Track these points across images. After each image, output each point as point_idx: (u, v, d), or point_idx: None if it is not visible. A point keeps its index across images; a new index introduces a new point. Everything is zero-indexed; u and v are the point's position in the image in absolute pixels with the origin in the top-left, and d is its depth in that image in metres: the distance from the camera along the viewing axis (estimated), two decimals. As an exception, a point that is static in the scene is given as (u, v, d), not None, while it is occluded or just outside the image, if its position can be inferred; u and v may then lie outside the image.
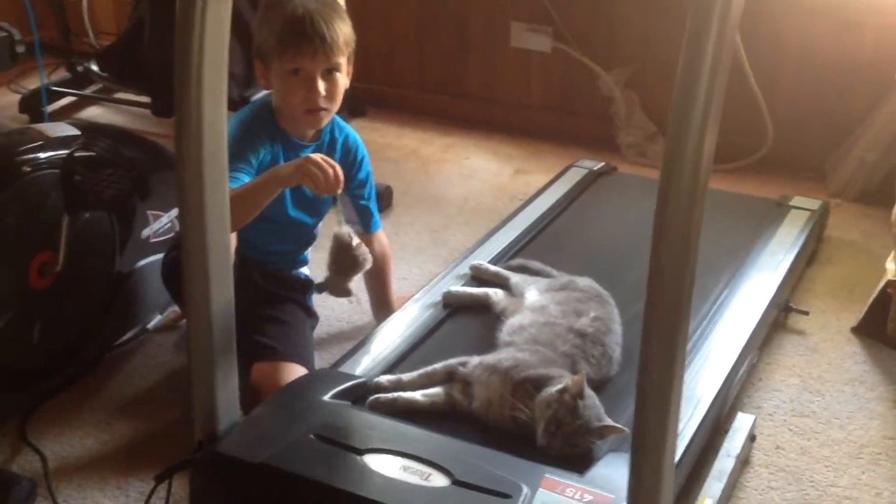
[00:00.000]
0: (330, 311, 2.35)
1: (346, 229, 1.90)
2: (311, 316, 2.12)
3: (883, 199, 2.89)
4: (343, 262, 1.88)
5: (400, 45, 3.64)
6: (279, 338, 1.94)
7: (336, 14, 1.92)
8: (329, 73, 1.92)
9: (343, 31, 1.92)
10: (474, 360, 1.72)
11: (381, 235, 2.23)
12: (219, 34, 1.31)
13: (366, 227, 2.16)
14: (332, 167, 1.80)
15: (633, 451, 1.23)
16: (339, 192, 1.82)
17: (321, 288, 2.01)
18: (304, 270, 2.18)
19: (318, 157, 1.81)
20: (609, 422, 1.56)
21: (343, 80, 1.96)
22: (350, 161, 2.10)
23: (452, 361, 1.75)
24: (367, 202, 2.16)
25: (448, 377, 1.73)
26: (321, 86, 1.91)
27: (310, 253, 2.19)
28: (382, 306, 2.24)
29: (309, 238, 2.15)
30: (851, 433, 1.96)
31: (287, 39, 1.88)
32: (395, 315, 2.07)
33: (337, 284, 1.89)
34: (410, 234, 2.79)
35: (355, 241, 1.89)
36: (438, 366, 1.75)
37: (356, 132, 2.14)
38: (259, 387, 1.83)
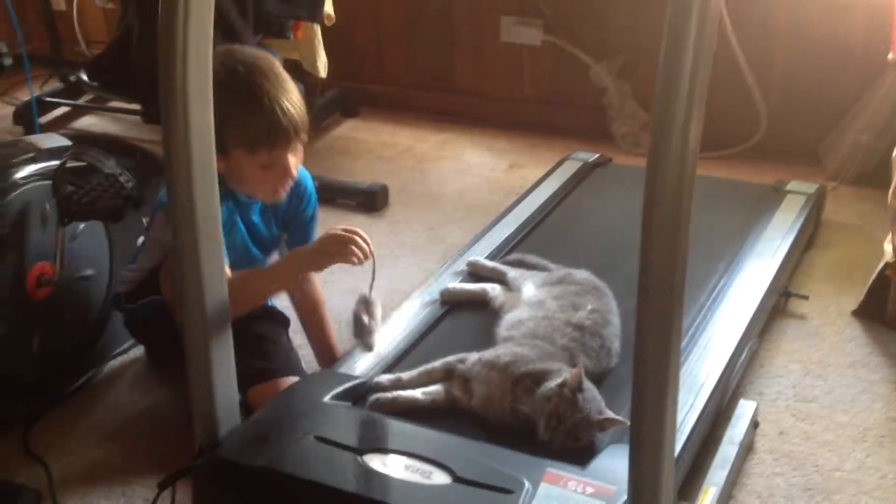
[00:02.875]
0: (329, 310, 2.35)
1: (366, 297, 1.87)
2: (283, 322, 2.09)
3: (879, 180, 2.88)
4: (355, 326, 1.88)
5: (389, 43, 3.63)
6: (263, 355, 1.91)
7: (291, 84, 1.81)
8: (294, 148, 1.85)
9: (301, 103, 1.82)
10: (473, 356, 1.72)
11: (314, 278, 2.09)
12: (202, 38, 1.30)
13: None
14: (356, 233, 1.78)
15: (633, 443, 1.23)
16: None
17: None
18: None
19: (337, 233, 1.78)
20: (610, 414, 1.56)
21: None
22: (298, 197, 2.00)
23: (451, 359, 1.75)
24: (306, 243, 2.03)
25: (447, 374, 1.73)
26: (293, 166, 1.84)
27: None
28: (325, 354, 2.10)
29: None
30: (855, 416, 1.95)
31: (260, 138, 1.76)
32: (394, 314, 2.07)
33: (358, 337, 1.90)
34: (407, 232, 2.79)
35: (366, 318, 1.87)
36: (437, 363, 1.75)
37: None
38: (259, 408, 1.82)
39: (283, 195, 1.90)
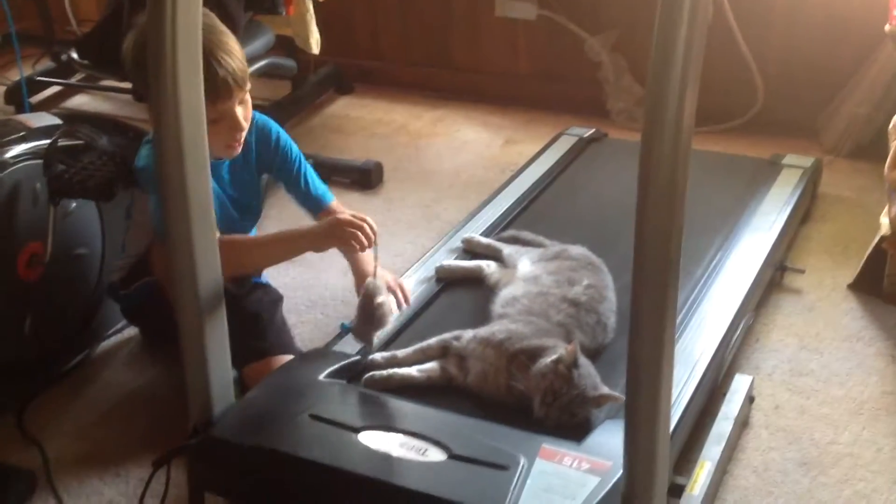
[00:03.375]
0: (324, 289, 2.35)
1: (376, 282, 1.75)
2: (277, 299, 2.07)
3: (876, 153, 2.87)
4: (365, 313, 1.75)
5: (384, 20, 3.60)
6: (260, 335, 1.91)
7: (226, 35, 1.76)
8: (242, 99, 1.81)
9: (240, 52, 1.77)
10: (468, 333, 1.71)
11: (340, 207, 2.04)
12: (191, 14, 1.29)
13: (319, 208, 2.03)
14: (364, 221, 1.76)
15: (628, 419, 1.23)
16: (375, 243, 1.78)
17: (353, 331, 1.84)
18: None
19: (347, 218, 1.77)
20: (605, 390, 1.56)
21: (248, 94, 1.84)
22: (271, 148, 1.98)
23: (447, 336, 1.74)
24: (307, 187, 2.02)
25: (443, 352, 1.72)
26: (241, 117, 1.80)
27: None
28: (361, 277, 1.98)
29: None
30: (851, 390, 1.95)
31: None
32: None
33: (359, 330, 1.77)
34: (402, 209, 2.77)
35: (379, 298, 1.73)
36: (433, 341, 1.75)
37: (260, 112, 1.98)
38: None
39: (238, 148, 1.86)
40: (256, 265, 1.91)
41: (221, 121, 1.77)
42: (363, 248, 1.77)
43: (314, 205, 2.03)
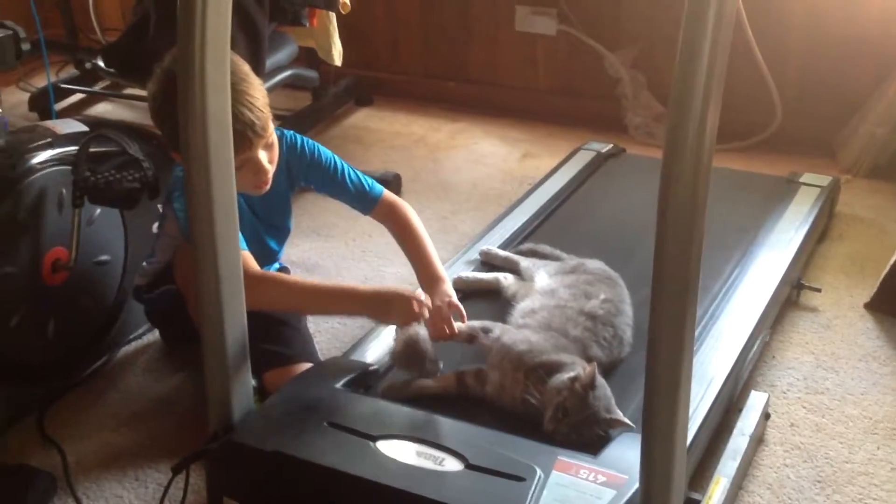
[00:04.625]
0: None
1: (426, 336, 1.73)
2: None
3: (893, 173, 2.89)
4: (408, 360, 1.71)
5: (404, 32, 3.63)
6: (283, 341, 1.90)
7: (248, 83, 1.74)
8: (266, 143, 1.81)
9: (263, 99, 1.76)
10: (496, 330, 1.74)
11: (391, 197, 2.04)
12: (220, 25, 1.31)
13: (370, 204, 2.02)
14: (425, 307, 1.73)
15: (645, 432, 1.24)
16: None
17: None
18: (276, 265, 2.15)
19: (408, 296, 1.73)
20: (618, 415, 1.55)
21: (274, 136, 1.84)
22: (304, 159, 1.98)
23: (476, 324, 1.78)
24: (352, 185, 2.00)
25: (469, 338, 1.76)
26: (265, 161, 1.80)
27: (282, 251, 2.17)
28: (429, 280, 1.95)
29: (275, 256, 2.12)
30: (866, 409, 1.95)
31: None
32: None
33: (399, 364, 1.73)
34: (420, 221, 2.78)
35: (429, 356, 1.71)
36: (463, 325, 1.79)
37: (282, 129, 1.98)
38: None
39: (266, 187, 1.86)
40: (294, 310, 1.86)
41: (244, 167, 1.76)
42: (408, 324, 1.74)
43: (364, 204, 2.02)
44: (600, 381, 1.57)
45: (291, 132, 2.00)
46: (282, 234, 2.09)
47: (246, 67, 1.77)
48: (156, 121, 1.79)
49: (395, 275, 2.45)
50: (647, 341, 1.18)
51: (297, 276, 1.78)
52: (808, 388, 2.02)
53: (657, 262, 1.13)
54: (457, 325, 1.80)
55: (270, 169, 1.83)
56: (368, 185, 2.02)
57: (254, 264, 1.77)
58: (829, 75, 3.04)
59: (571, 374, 1.58)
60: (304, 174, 2.00)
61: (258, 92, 1.76)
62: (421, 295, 1.78)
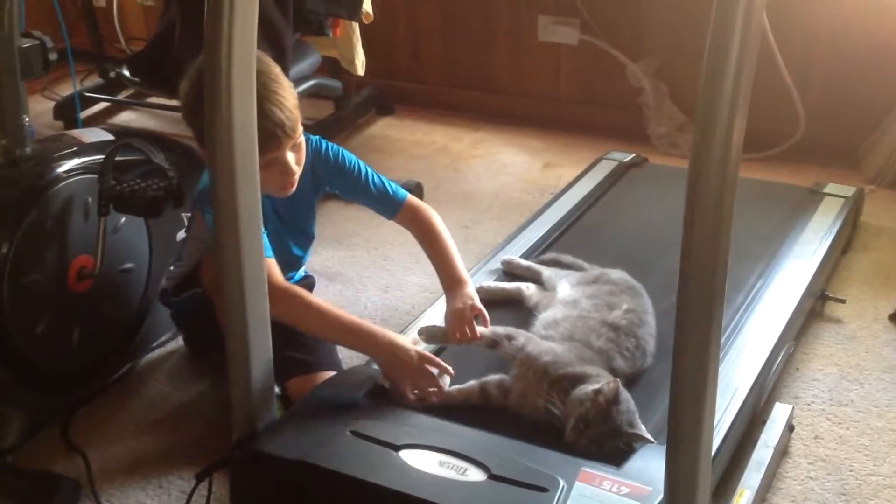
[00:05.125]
0: (363, 308, 2.36)
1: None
2: None
3: (919, 184, 2.86)
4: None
5: (426, 41, 3.64)
6: (306, 349, 1.90)
7: (278, 84, 1.74)
8: (294, 144, 1.81)
9: (293, 100, 1.77)
10: (520, 338, 1.74)
11: (415, 201, 2.04)
12: (246, 34, 1.32)
13: (394, 208, 2.02)
14: (431, 376, 1.71)
15: (669, 444, 1.23)
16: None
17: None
18: (301, 272, 2.16)
19: (423, 360, 1.71)
20: (640, 430, 1.55)
21: (302, 138, 1.84)
22: (328, 163, 1.99)
23: (500, 331, 1.77)
24: (376, 189, 2.01)
25: (493, 344, 1.76)
26: (292, 162, 1.81)
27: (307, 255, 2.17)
28: (452, 282, 1.95)
29: (300, 262, 2.13)
30: (891, 421, 1.94)
31: None
32: (427, 311, 2.07)
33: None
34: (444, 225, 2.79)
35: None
36: (486, 331, 1.79)
37: (308, 134, 1.95)
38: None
39: (291, 189, 1.86)
40: (312, 333, 1.84)
41: (271, 167, 1.76)
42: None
43: (388, 208, 2.02)
44: (625, 395, 1.57)
45: (317, 137, 2.01)
46: (306, 239, 2.10)
47: (277, 69, 1.78)
48: (187, 119, 1.80)
49: (417, 283, 2.45)
50: (673, 351, 1.18)
51: (326, 302, 1.77)
52: (833, 399, 2.00)
53: (683, 274, 1.13)
54: (479, 329, 1.80)
55: (297, 170, 1.84)
56: (392, 190, 2.03)
57: (279, 275, 1.77)
58: (854, 85, 3.03)
59: (595, 386, 1.57)
60: (329, 178, 2.01)
61: (288, 93, 1.77)
62: (435, 358, 1.74)
